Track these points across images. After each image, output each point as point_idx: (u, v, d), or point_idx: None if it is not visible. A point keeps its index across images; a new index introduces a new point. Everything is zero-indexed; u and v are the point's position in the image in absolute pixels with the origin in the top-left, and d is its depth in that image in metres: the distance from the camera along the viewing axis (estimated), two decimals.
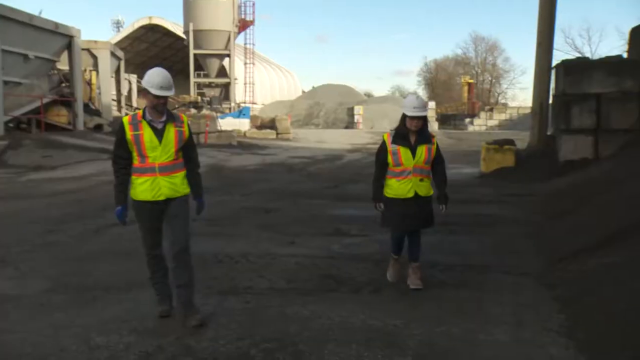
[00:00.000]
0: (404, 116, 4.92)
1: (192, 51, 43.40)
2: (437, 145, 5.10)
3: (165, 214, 4.22)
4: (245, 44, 48.02)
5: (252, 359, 3.68)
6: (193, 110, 29.45)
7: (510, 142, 13.99)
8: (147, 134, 4.07)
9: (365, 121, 44.36)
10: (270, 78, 60.12)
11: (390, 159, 4.98)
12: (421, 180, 4.99)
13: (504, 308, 4.62)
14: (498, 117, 48.20)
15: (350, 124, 45.41)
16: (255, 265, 5.91)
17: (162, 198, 4.15)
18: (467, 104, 50.45)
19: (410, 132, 4.91)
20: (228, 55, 44.88)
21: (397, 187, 5.00)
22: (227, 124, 28.03)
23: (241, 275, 5.53)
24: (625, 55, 12.55)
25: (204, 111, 30.24)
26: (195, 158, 4.41)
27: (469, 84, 52.93)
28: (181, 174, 4.24)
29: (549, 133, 14.45)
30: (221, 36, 43.82)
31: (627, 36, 12.29)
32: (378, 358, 3.72)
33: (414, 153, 4.92)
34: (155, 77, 4.01)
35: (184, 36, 45.86)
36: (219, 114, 30.42)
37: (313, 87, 61.06)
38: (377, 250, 6.54)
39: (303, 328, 4.20)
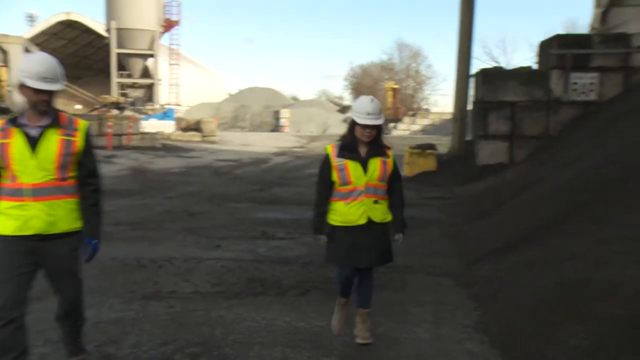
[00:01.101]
0: (353, 123, 3.85)
1: (114, 50, 41.98)
2: (394, 159, 4.02)
3: (40, 257, 3.03)
4: (170, 44, 47.01)
5: None
6: (115, 111, 28.51)
7: (432, 146, 14.48)
8: (16, 142, 2.95)
9: (292, 124, 44.52)
10: (196, 79, 59.10)
11: (336, 176, 3.87)
12: (376, 202, 3.88)
13: (425, 307, 4.80)
14: (421, 122, 49.62)
15: (276, 127, 45.43)
16: (179, 269, 5.81)
17: (30, 232, 2.95)
18: (392, 109, 51.60)
19: (361, 142, 3.85)
20: (152, 56, 43.75)
21: (345, 212, 3.87)
22: (150, 125, 27.31)
23: (165, 280, 5.42)
24: (535, 66, 13.29)
25: (127, 112, 29.34)
26: (93, 181, 3.19)
27: (394, 90, 54.17)
28: (68, 202, 3.06)
29: (468, 138, 15.08)
30: (145, 36, 42.65)
31: (536, 49, 13.01)
32: (304, 359, 3.76)
33: (365, 168, 3.83)
34: (35, 66, 2.94)
35: (105, 34, 44.26)
36: (142, 116, 29.60)
37: (239, 90, 60.63)
38: (304, 253, 6.60)
39: (228, 331, 4.17)
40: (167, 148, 23.43)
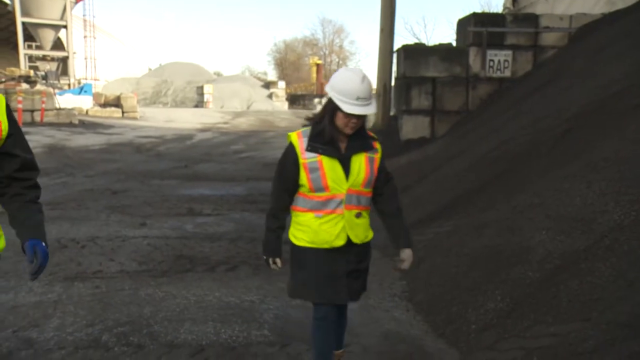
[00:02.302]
0: (332, 107, 2.69)
1: (19, 18, 39.33)
2: (382, 153, 2.91)
3: None
4: (84, 15, 44.66)
5: (105, 345, 3.55)
6: (25, 85, 26.85)
7: None
8: None
9: (215, 100, 43.68)
10: (114, 53, 56.61)
11: (305, 178, 2.73)
12: (358, 215, 2.83)
13: None
14: None
15: (199, 103, 44.43)
16: (104, 248, 5.65)
17: None
18: (316, 84, 51.69)
19: (340, 133, 2.74)
20: (64, 27, 41.41)
21: (316, 229, 2.79)
22: (66, 101, 25.97)
23: (89, 260, 5.26)
24: (454, 43, 13.69)
25: (39, 87, 27.71)
26: (29, 175, 2.29)
27: (318, 65, 54.22)
28: None
29: (391, 113, 15.37)
30: (55, 4, 40.27)
31: (455, 26, 13.39)
32: (235, 333, 3.79)
33: (347, 168, 2.73)
34: None
35: (7, 0, 41.34)
36: (56, 90, 28.06)
37: (160, 65, 58.63)
38: (232, 229, 6.58)
39: (158, 309, 4.13)
40: (86, 125, 22.41)
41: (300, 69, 71.65)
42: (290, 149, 2.77)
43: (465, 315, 3.89)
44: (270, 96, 45.76)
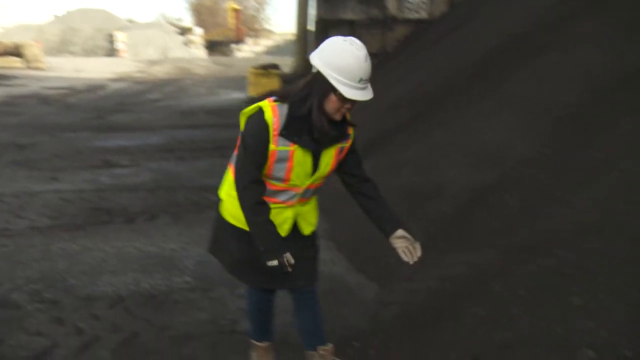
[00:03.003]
0: (324, 88, 2.10)
1: None
2: (354, 137, 2.41)
3: None
4: None
5: (16, 304, 3.41)
6: None
7: (275, 66, 14.45)
8: None
9: (130, 49, 41.63)
10: None
11: (269, 163, 2.21)
12: (305, 204, 2.42)
13: None
14: (264, 44, 49.17)
15: (112, 52, 42.19)
16: (10, 205, 5.34)
17: None
18: (234, 30, 50.26)
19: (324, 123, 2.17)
20: None
21: None
22: None
23: None
24: None
25: None
26: None
27: (235, 10, 52.56)
28: None
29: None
30: None
31: None
32: (156, 282, 3.75)
33: (316, 163, 2.28)
34: None
35: None
36: None
37: (67, 11, 54.88)
38: (150, 178, 6.41)
39: (73, 263, 4.00)
40: None
41: (217, 15, 69.16)
42: (263, 125, 2.13)
43: (384, 252, 4.02)
44: (186, 43, 44.12)
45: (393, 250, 2.32)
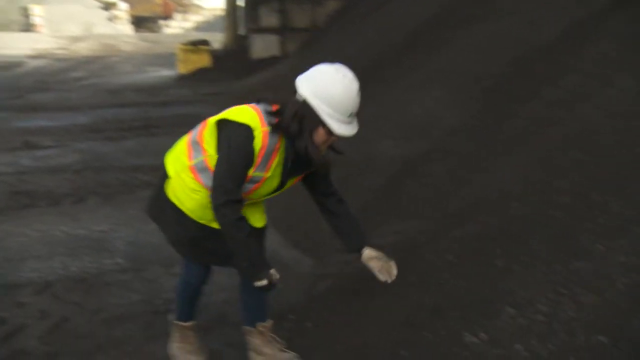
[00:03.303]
0: (315, 122, 2.04)
1: None
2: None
3: None
4: None
5: None
6: None
7: (205, 42, 14.13)
8: None
9: (48, 24, 39.51)
10: None
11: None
12: (255, 203, 2.39)
13: None
14: (194, 19, 47.88)
15: (28, 27, 39.91)
16: None
17: None
18: (161, 5, 48.64)
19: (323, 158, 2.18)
20: None
21: (206, 207, 2.18)
22: None
23: None
24: None
25: None
26: None
27: None
28: None
29: (241, 33, 15.01)
30: None
31: None
32: (85, 265, 3.63)
33: (281, 187, 2.28)
34: None
35: None
36: None
37: None
38: (77, 159, 6.17)
39: None
40: None
41: None
42: (250, 150, 2.04)
43: (318, 227, 4.05)
44: (111, 19, 42.33)
45: (369, 270, 2.37)
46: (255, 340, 2.56)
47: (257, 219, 2.35)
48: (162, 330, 2.81)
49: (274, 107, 2.10)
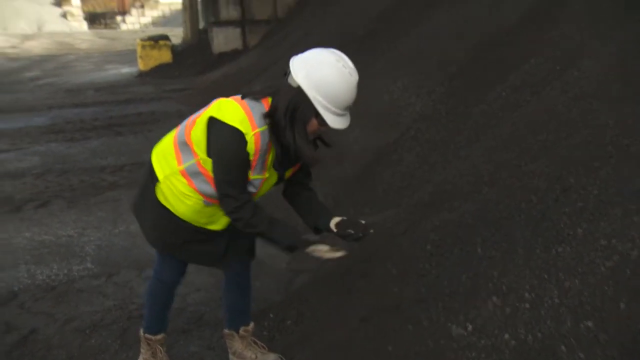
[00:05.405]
0: (309, 112, 1.93)
1: None
2: None
3: None
4: None
5: None
6: None
7: (165, 37, 13.84)
8: None
9: None
10: None
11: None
12: None
13: None
14: (151, 14, 46.91)
15: None
16: None
17: None
18: (117, 0, 47.54)
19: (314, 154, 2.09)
20: None
21: (200, 211, 2.14)
22: None
23: None
24: None
25: None
26: None
27: None
28: None
29: (201, 27, 14.75)
30: None
31: None
32: (54, 272, 3.51)
33: (281, 179, 2.21)
34: None
35: None
36: None
37: None
38: (37, 163, 5.96)
39: None
40: None
41: None
42: (245, 156, 1.94)
43: (293, 222, 4.00)
44: (64, 16, 41.16)
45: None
46: (236, 344, 2.51)
47: None
48: (138, 337, 2.73)
49: (263, 101, 1.98)
